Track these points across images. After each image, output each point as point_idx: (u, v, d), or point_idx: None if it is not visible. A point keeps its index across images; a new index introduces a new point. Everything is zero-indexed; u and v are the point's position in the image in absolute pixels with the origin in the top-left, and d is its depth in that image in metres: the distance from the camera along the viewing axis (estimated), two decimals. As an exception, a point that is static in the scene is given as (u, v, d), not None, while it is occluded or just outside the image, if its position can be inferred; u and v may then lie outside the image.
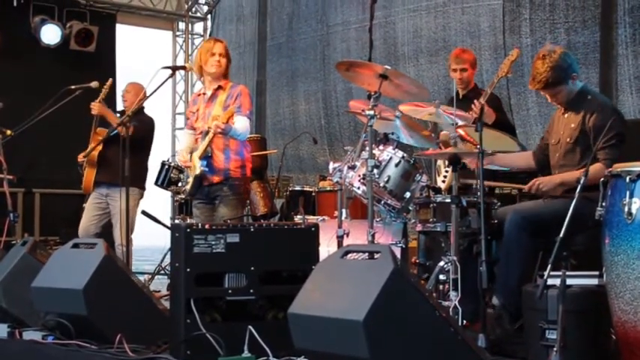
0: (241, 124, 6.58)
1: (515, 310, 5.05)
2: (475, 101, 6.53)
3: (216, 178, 6.62)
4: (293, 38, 13.99)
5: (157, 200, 12.09)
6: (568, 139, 5.48)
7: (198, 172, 6.52)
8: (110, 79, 8.49)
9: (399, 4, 12.10)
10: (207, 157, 6.51)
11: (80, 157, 8.42)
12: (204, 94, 6.87)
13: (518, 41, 10.44)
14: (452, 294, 5.11)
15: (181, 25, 15.91)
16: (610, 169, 4.25)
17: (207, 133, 6.49)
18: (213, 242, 4.69)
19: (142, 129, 8.13)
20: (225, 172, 6.63)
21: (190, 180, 6.67)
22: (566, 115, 5.59)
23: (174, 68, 7.69)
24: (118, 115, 8.56)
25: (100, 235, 8.21)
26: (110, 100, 9.09)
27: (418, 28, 11.90)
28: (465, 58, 7.27)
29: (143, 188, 8.67)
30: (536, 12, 10.42)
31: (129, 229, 7.37)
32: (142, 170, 8.58)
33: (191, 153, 6.71)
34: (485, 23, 11.08)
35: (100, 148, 8.32)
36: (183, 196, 10.28)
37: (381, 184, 5.90)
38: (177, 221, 9.95)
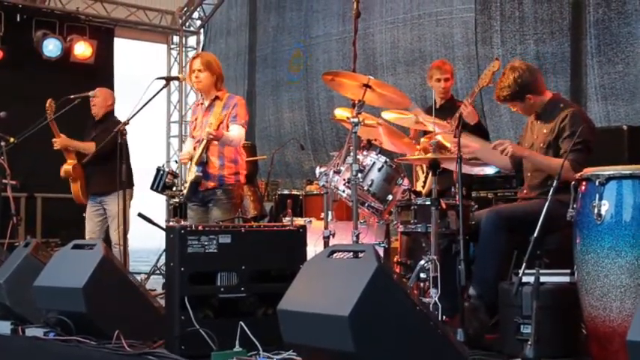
0: (235, 132, 6.49)
1: (491, 302, 5.02)
2: (465, 102, 6.46)
3: (210, 184, 6.54)
4: (277, 49, 13.98)
5: (153, 204, 12.02)
6: (541, 144, 5.43)
7: (193, 177, 6.46)
8: (50, 100, 8.35)
9: (377, 17, 12.08)
10: (202, 163, 6.44)
11: (62, 173, 8.45)
12: (202, 104, 6.80)
13: (490, 52, 10.46)
14: (432, 291, 5.08)
15: (175, 39, 15.95)
16: (581, 173, 4.25)
17: (203, 141, 6.42)
18: (206, 243, 4.68)
19: (108, 143, 7.64)
20: (219, 178, 6.54)
21: (187, 184, 6.60)
22: (538, 122, 5.55)
23: (169, 79, 7.62)
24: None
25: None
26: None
27: (395, 40, 11.90)
28: (447, 69, 7.27)
29: (132, 187, 8.50)
30: (507, 24, 10.42)
31: (126, 230, 7.31)
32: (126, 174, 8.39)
33: (191, 159, 6.64)
34: (458, 35, 11.09)
35: (74, 162, 8.34)
36: (177, 200, 10.22)
37: (365, 188, 5.85)
38: (171, 223, 9.89)
